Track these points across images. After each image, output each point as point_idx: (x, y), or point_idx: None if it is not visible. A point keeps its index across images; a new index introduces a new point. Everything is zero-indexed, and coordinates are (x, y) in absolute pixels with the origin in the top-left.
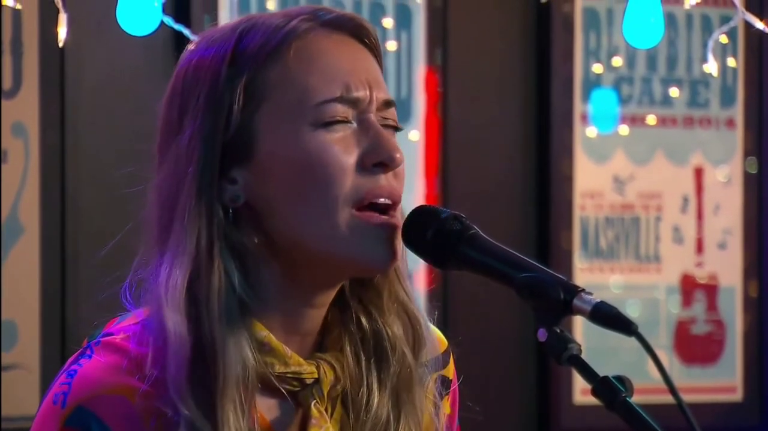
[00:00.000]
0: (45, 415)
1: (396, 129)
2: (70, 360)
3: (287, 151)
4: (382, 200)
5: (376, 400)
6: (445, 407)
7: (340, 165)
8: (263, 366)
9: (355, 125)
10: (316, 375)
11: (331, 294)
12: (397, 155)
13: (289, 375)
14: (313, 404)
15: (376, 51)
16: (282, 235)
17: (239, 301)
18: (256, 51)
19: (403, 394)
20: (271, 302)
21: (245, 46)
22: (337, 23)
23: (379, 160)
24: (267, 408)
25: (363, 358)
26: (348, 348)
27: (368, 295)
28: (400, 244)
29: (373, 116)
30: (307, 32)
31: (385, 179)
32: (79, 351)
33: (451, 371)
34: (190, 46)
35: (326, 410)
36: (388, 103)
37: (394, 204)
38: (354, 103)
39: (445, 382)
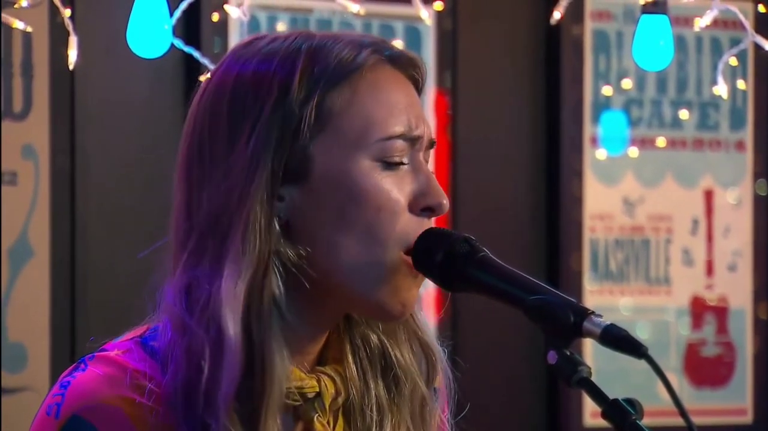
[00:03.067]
0: (39, 427)
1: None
2: (63, 374)
3: (343, 181)
4: None
5: (388, 419)
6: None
7: (393, 208)
8: None
9: (408, 165)
10: (317, 389)
11: (339, 319)
12: (445, 202)
13: (290, 390)
14: (315, 418)
15: (421, 87)
16: (317, 260)
17: (283, 316)
18: (330, 74)
19: (418, 416)
20: (293, 322)
21: (316, 69)
22: (399, 60)
23: (429, 205)
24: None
25: (370, 373)
26: (350, 358)
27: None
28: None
29: (422, 156)
30: (377, 65)
31: (430, 224)
32: (72, 366)
33: (439, 379)
34: (235, 55)
35: (328, 423)
36: (432, 143)
37: None
38: (413, 141)
39: (435, 392)
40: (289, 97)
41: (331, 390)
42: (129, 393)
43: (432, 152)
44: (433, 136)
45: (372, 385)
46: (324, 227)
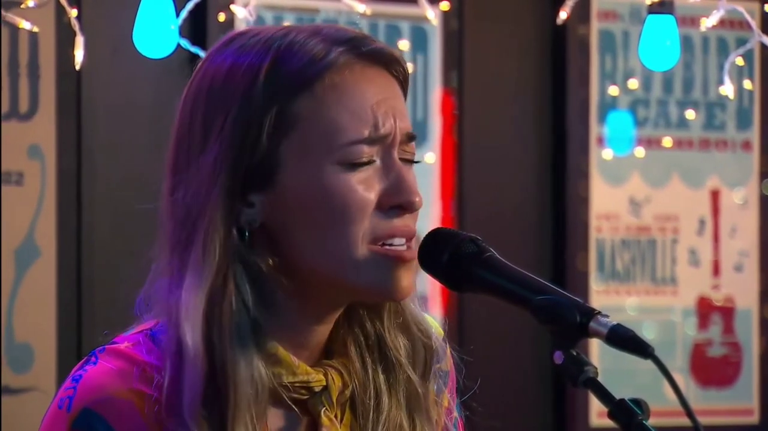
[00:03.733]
0: (51, 420)
1: (413, 162)
2: (75, 368)
3: (309, 185)
4: (397, 240)
5: (386, 404)
6: (444, 400)
7: (361, 206)
8: (271, 378)
9: (378, 162)
10: (324, 383)
11: (340, 310)
12: (417, 200)
13: (297, 385)
14: (322, 411)
15: (404, 83)
16: (296, 260)
17: (252, 321)
18: (291, 78)
19: (415, 401)
20: (283, 320)
21: (280, 70)
22: (373, 55)
23: (398, 203)
24: (274, 418)
25: (369, 361)
26: (353, 350)
27: (371, 306)
28: (414, 275)
29: (395, 153)
30: (344, 66)
31: (401, 221)
32: (83, 360)
33: (448, 362)
34: (216, 50)
35: (335, 416)
36: (410, 137)
37: (409, 241)
38: (380, 140)
39: (443, 375)
40: (252, 102)
41: (338, 383)
42: (139, 386)
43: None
44: (409, 129)
45: (371, 372)
46: (297, 229)
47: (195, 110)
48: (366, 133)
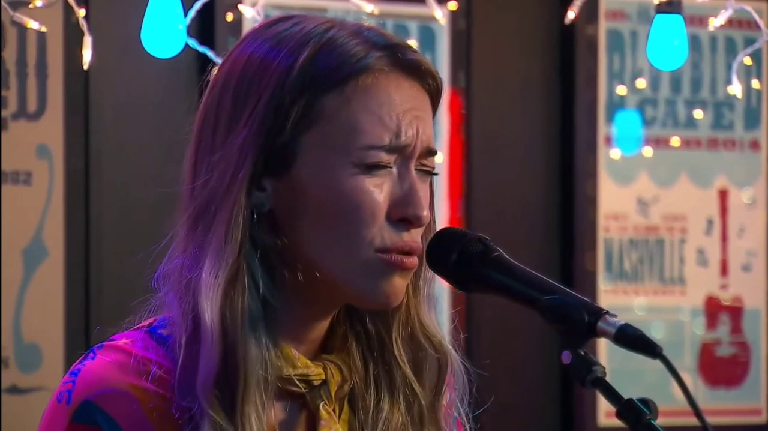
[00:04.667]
0: (51, 414)
1: (432, 174)
2: (73, 364)
3: (324, 183)
4: (403, 252)
5: (386, 403)
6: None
7: (373, 210)
8: (277, 369)
9: (395, 170)
10: (323, 377)
11: (336, 309)
12: (424, 214)
13: (296, 377)
14: (321, 405)
15: (436, 98)
16: (298, 250)
17: (263, 303)
18: (325, 74)
19: (418, 410)
20: (286, 309)
21: (316, 66)
22: (410, 66)
23: (406, 216)
24: (275, 410)
25: (370, 359)
26: (354, 347)
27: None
28: (406, 283)
29: (413, 164)
30: (379, 72)
31: (408, 235)
32: (81, 356)
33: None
34: (254, 33)
35: (334, 411)
36: (430, 152)
37: (414, 254)
38: (400, 150)
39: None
40: (285, 91)
41: (338, 377)
42: (138, 379)
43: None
44: (431, 144)
45: (371, 369)
46: (303, 220)
47: (224, 91)
48: (387, 139)
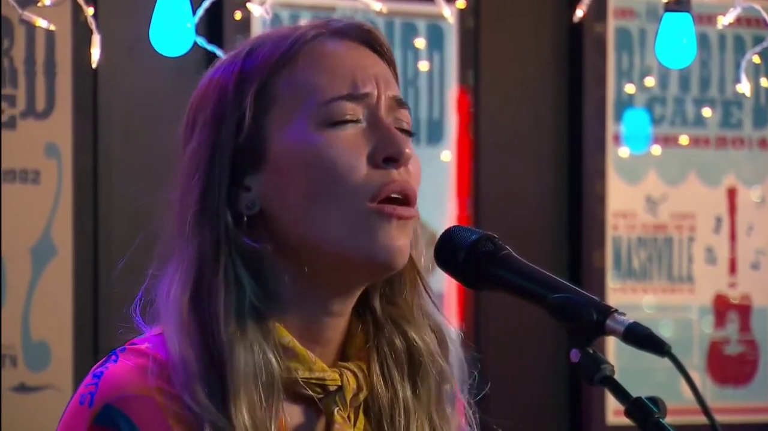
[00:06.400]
0: (72, 416)
1: (409, 134)
2: (95, 366)
3: (296, 151)
4: (395, 194)
5: (413, 415)
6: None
7: (349, 162)
8: (287, 371)
9: (364, 123)
10: (339, 383)
11: (349, 303)
12: (407, 150)
13: (312, 381)
14: (336, 411)
15: (387, 57)
16: (296, 238)
17: (252, 307)
18: (266, 59)
19: (439, 410)
20: (290, 308)
21: (255, 58)
22: (345, 30)
23: (387, 155)
24: (291, 414)
25: (396, 375)
26: (376, 360)
27: (401, 313)
28: (409, 238)
29: (382, 113)
30: (315, 38)
31: (397, 174)
32: (104, 358)
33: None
34: (207, 72)
35: (348, 418)
36: (399, 102)
37: (408, 199)
38: (362, 99)
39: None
40: (228, 92)
41: (353, 384)
42: (159, 383)
43: (409, 114)
44: (397, 94)
45: (399, 389)
46: (293, 203)
47: (186, 117)
48: (345, 90)
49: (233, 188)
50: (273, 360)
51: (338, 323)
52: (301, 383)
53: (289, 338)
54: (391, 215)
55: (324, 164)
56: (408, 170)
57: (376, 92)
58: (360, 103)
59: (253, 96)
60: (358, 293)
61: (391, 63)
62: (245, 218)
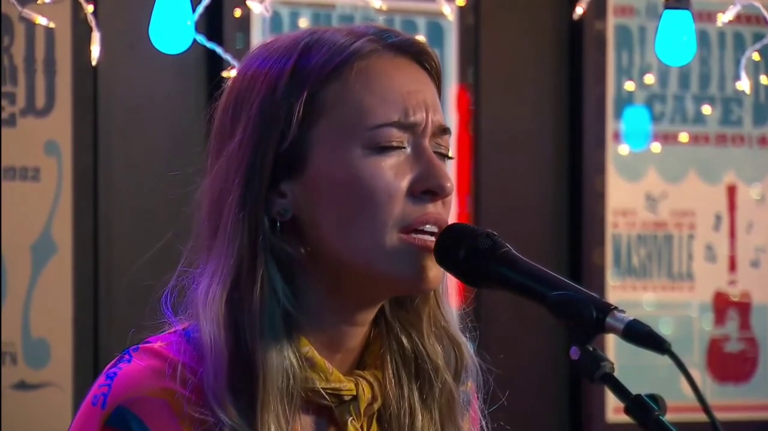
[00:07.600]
0: (85, 416)
1: (447, 157)
2: (108, 365)
3: (338, 171)
4: (428, 226)
5: (420, 422)
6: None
7: (390, 191)
8: (304, 380)
9: (409, 149)
10: (354, 392)
11: (373, 312)
12: (448, 184)
13: (327, 391)
14: (349, 421)
15: (436, 76)
16: (326, 251)
17: (284, 313)
18: (319, 67)
19: (448, 418)
20: (315, 317)
21: (308, 61)
22: (401, 46)
23: (429, 188)
24: (303, 422)
25: (405, 378)
26: (389, 366)
27: (408, 318)
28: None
29: (427, 142)
30: (371, 53)
31: (433, 207)
32: (117, 357)
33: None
34: (250, 53)
35: (362, 427)
36: (443, 130)
37: (440, 229)
38: (410, 128)
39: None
40: (277, 92)
41: (368, 394)
42: (172, 384)
43: (450, 139)
44: (443, 122)
45: (406, 390)
46: (327, 218)
47: (227, 105)
48: (395, 117)
49: (269, 193)
50: (297, 369)
51: (360, 332)
52: (317, 392)
53: (308, 347)
54: (422, 248)
55: (363, 190)
56: (444, 202)
57: (424, 121)
58: (407, 131)
59: (303, 103)
60: (381, 303)
61: (438, 80)
62: (278, 224)
